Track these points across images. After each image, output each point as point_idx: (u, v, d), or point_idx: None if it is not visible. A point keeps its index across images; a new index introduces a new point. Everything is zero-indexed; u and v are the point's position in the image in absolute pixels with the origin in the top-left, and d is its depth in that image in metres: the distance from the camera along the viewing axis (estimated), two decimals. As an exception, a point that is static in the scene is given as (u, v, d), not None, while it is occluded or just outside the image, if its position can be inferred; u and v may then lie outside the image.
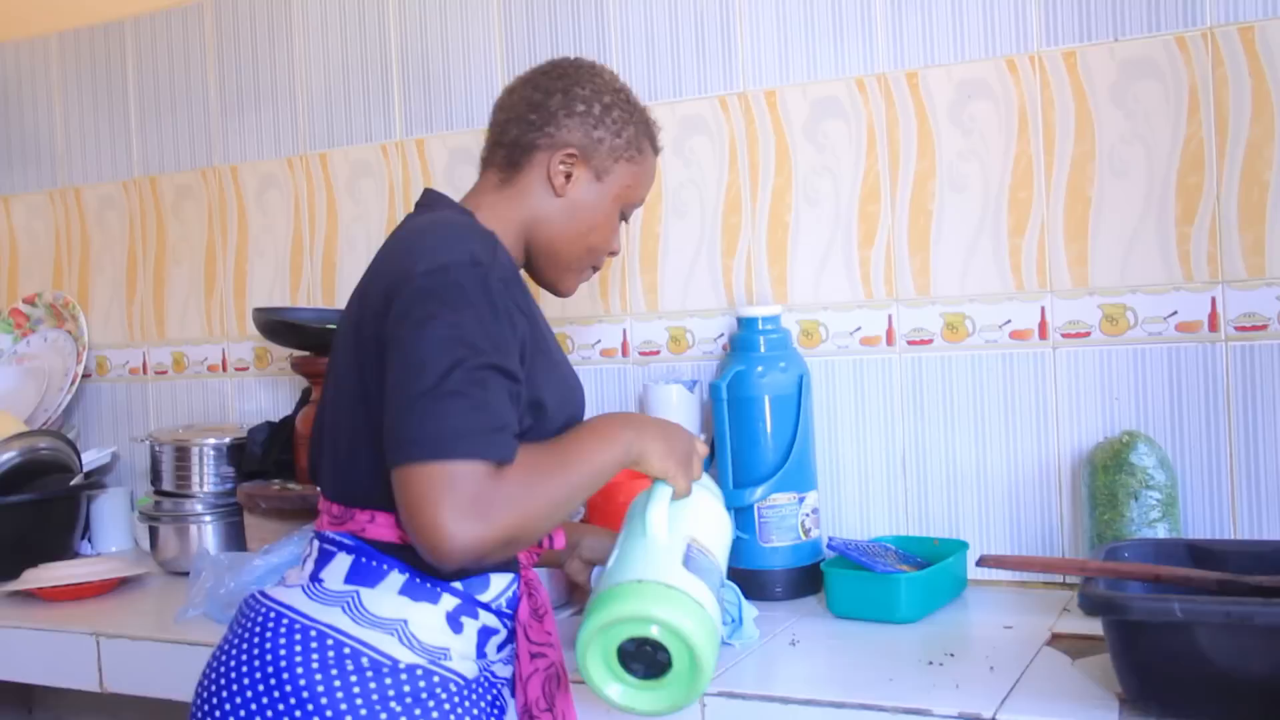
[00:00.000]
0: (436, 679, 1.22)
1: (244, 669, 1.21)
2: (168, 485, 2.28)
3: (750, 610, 1.63)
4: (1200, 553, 1.46)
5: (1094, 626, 1.44)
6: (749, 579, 1.79)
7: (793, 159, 1.97)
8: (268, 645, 1.21)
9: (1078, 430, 1.79)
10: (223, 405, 2.54)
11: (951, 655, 1.49)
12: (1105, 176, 1.76)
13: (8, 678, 2.00)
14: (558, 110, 1.40)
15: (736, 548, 1.77)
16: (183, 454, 2.28)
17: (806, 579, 1.82)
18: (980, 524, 1.86)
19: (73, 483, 2.38)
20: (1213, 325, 1.71)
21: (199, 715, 1.24)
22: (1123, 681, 1.27)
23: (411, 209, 1.43)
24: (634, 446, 1.27)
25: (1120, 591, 1.35)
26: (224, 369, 2.54)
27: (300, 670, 1.19)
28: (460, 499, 1.09)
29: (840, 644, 1.59)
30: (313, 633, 1.21)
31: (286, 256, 2.46)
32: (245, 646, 1.23)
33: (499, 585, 1.28)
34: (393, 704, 1.18)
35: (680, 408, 1.96)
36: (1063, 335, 1.80)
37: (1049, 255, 1.80)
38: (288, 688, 1.18)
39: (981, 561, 1.51)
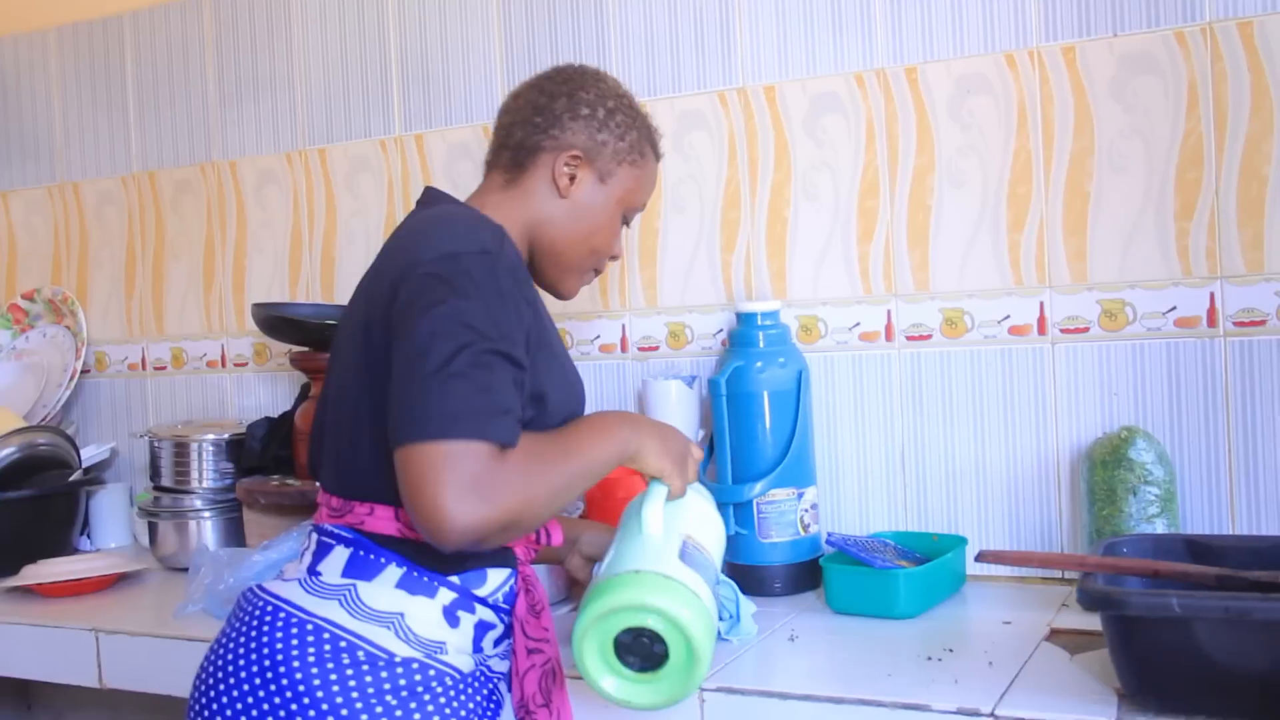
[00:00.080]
0: (432, 673, 1.22)
1: (241, 662, 1.21)
2: (167, 481, 2.28)
3: (748, 606, 1.63)
4: (1199, 548, 1.46)
5: (1093, 622, 1.44)
6: (748, 574, 1.79)
7: (792, 154, 1.96)
8: (265, 639, 1.21)
9: (1076, 425, 1.79)
10: (222, 401, 2.54)
11: (950, 650, 1.49)
12: (1104, 172, 1.76)
13: (7, 674, 2.00)
14: (562, 113, 1.41)
15: (735, 543, 1.78)
16: (182, 450, 2.28)
17: (805, 574, 1.82)
18: (979, 519, 1.86)
19: (72, 478, 2.38)
20: (1211, 321, 1.71)
21: (197, 709, 1.24)
22: (1121, 676, 1.27)
23: (411, 205, 1.43)
24: (631, 443, 1.28)
25: (1119, 587, 1.35)
26: (223, 364, 2.54)
27: (297, 664, 1.19)
28: (462, 478, 1.09)
29: (839, 639, 1.59)
30: (309, 626, 1.21)
31: (285, 252, 2.45)
32: (243, 640, 1.23)
33: (496, 580, 1.28)
34: (389, 697, 1.19)
35: (679, 403, 1.95)
36: (1061, 330, 1.80)
37: (1048, 250, 1.80)
38: (284, 681, 1.18)
39: (980, 557, 1.51)
